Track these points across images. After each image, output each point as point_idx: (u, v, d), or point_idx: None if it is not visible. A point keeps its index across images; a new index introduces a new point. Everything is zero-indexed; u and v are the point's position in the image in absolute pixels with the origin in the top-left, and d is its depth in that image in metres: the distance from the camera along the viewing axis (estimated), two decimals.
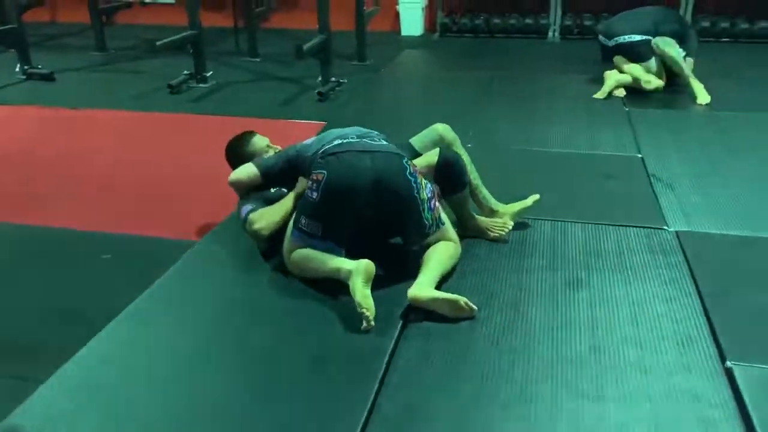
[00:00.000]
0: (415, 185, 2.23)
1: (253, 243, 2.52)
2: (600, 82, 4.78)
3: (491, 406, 1.76)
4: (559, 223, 2.73)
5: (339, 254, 2.21)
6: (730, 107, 4.26)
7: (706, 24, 6.11)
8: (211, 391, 1.83)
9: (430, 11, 7.11)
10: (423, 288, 2.12)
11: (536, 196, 2.67)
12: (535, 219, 2.76)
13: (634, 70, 4.48)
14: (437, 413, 1.74)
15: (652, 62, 4.46)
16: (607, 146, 3.63)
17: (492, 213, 2.68)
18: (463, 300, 2.08)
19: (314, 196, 2.19)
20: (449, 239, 2.37)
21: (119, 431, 1.71)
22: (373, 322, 2.01)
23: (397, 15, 7.09)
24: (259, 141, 2.70)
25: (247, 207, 2.43)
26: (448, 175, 2.44)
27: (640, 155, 3.47)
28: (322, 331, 2.06)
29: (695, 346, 1.98)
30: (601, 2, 6.45)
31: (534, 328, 2.08)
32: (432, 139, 2.61)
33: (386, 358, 1.92)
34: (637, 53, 4.48)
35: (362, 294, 2.03)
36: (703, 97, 4.32)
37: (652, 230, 2.67)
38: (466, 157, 2.63)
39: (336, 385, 1.83)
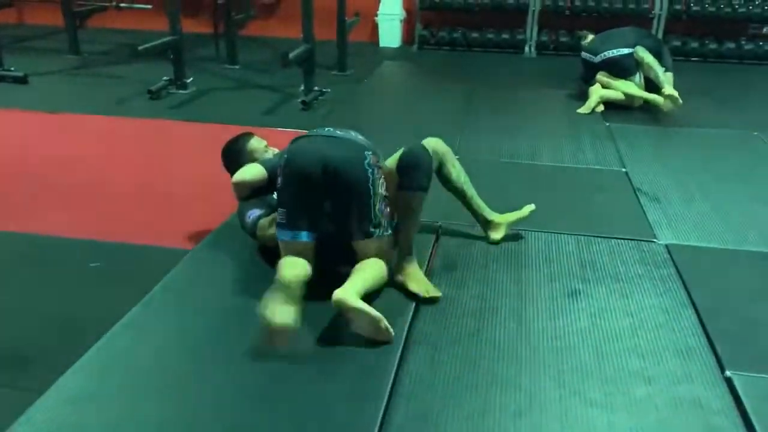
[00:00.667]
0: (371, 176, 2.16)
1: (251, 250, 2.50)
2: (578, 97, 4.90)
3: (503, 414, 1.78)
4: (553, 235, 2.78)
5: (302, 241, 2.16)
6: (705, 124, 4.40)
7: (677, 43, 6.30)
8: (214, 403, 1.80)
9: (408, 24, 7.17)
10: (349, 293, 1.99)
11: (532, 206, 2.69)
12: (529, 231, 2.80)
13: (622, 85, 4.60)
14: (450, 422, 1.75)
15: (638, 77, 4.60)
16: (591, 160, 3.70)
17: (487, 223, 2.70)
18: (384, 323, 1.98)
19: (279, 182, 2.21)
20: (385, 258, 2.25)
21: None
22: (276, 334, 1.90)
23: (375, 26, 7.13)
24: (257, 143, 2.64)
25: (255, 212, 2.40)
26: (408, 168, 2.28)
27: (624, 169, 3.55)
28: (328, 340, 2.05)
29: (695, 356, 2.03)
30: (576, 20, 6.60)
31: (538, 338, 2.10)
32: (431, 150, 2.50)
33: (395, 368, 1.93)
34: (624, 67, 4.60)
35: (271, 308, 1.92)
36: (670, 90, 4.37)
37: (643, 243, 2.73)
38: (458, 168, 2.61)
39: (346, 396, 1.82)
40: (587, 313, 2.24)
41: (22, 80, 5.26)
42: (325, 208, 2.20)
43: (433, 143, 2.50)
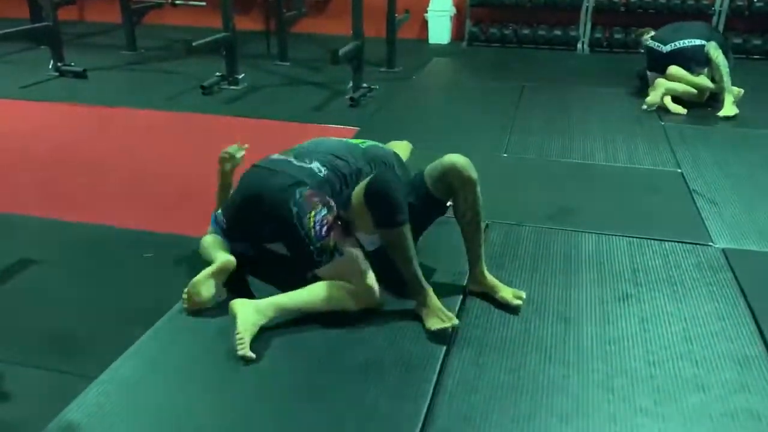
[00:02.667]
0: (297, 215, 2.10)
1: None
2: (633, 95, 4.79)
3: (549, 419, 1.74)
4: (604, 236, 2.71)
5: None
6: (766, 125, 4.22)
7: (738, 40, 6.07)
8: (260, 392, 1.83)
9: (457, 20, 7.11)
10: (244, 305, 2.01)
11: (520, 301, 2.22)
12: (580, 232, 2.74)
13: (694, 78, 4.42)
14: (494, 425, 1.73)
15: (707, 71, 4.45)
16: (645, 160, 3.60)
17: (476, 278, 2.28)
18: (242, 352, 1.92)
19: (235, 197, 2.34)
20: (342, 278, 2.13)
21: (174, 428, 1.71)
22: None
23: (424, 23, 7.10)
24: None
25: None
26: (370, 205, 2.11)
27: (679, 170, 3.44)
28: (371, 339, 2.05)
29: (753, 365, 1.95)
30: (631, 16, 6.43)
31: (586, 342, 2.06)
32: (441, 172, 2.19)
33: (438, 368, 1.91)
34: (696, 59, 4.43)
35: (194, 281, 2.13)
36: (729, 110, 4.29)
37: (699, 246, 2.64)
38: (471, 203, 2.19)
39: (388, 395, 1.81)
40: (638, 318, 2.18)
41: (82, 75, 5.43)
42: (265, 231, 2.26)
43: (455, 162, 2.16)
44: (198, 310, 2.16)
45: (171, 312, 2.17)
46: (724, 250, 2.61)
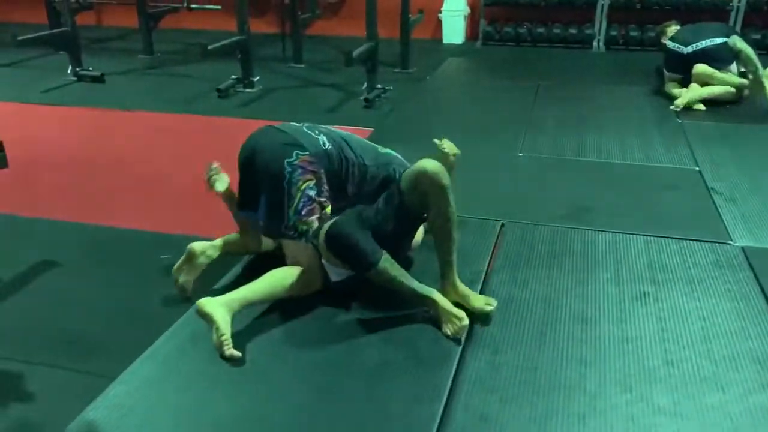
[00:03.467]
0: (287, 175, 2.13)
1: None
2: (650, 93, 4.76)
3: (566, 418, 1.74)
4: (621, 235, 2.69)
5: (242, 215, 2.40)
6: None
7: (756, 36, 5.98)
8: (278, 393, 1.84)
9: (472, 20, 7.10)
10: (214, 304, 1.99)
11: (491, 307, 2.14)
12: (597, 231, 2.73)
13: (726, 77, 4.39)
14: (511, 425, 1.72)
15: (734, 67, 4.42)
16: (663, 158, 3.57)
17: (446, 287, 2.17)
18: (229, 351, 1.94)
19: None
20: (302, 263, 2.15)
21: (193, 427, 1.72)
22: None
23: (438, 23, 7.10)
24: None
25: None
26: (338, 256, 2.11)
27: (697, 168, 3.41)
28: (387, 338, 2.06)
29: None
30: (647, 13, 6.38)
31: (603, 341, 2.04)
32: (412, 179, 2.09)
33: (454, 368, 1.91)
34: (720, 58, 4.39)
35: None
36: None
37: (717, 245, 2.62)
38: (440, 211, 2.09)
39: (404, 395, 1.81)
40: (656, 317, 2.16)
41: (99, 79, 5.49)
42: (261, 189, 2.30)
43: (418, 172, 2.07)
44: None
45: (188, 312, 2.18)
46: (743, 248, 2.58)
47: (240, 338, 2.05)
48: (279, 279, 2.15)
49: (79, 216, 3.05)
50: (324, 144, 2.27)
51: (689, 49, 4.47)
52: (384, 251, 2.08)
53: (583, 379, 1.88)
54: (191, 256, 2.34)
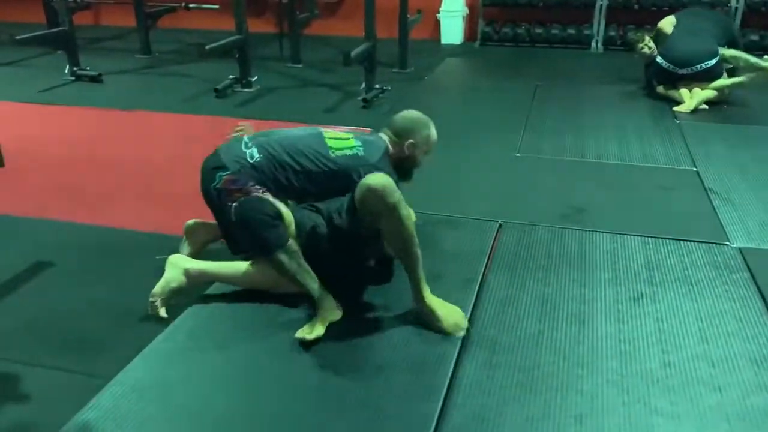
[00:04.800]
0: (216, 196, 2.20)
1: None
2: (648, 94, 4.77)
3: (563, 419, 1.73)
4: (619, 236, 2.69)
5: None
6: None
7: (754, 38, 6.00)
8: (273, 395, 1.83)
9: (470, 20, 7.10)
10: (174, 261, 2.26)
11: (461, 333, 2.06)
12: (594, 231, 2.72)
13: (716, 84, 4.45)
14: (508, 425, 1.72)
15: (725, 74, 4.47)
16: (660, 159, 3.58)
17: (416, 303, 2.12)
18: (153, 310, 2.17)
19: None
20: (259, 263, 2.21)
21: (190, 428, 1.72)
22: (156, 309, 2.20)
23: (437, 23, 7.10)
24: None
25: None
26: (241, 233, 2.23)
27: (695, 169, 3.41)
28: (384, 340, 2.05)
29: None
30: (645, 14, 6.38)
31: (601, 342, 2.04)
32: (359, 199, 2.05)
33: (451, 369, 1.91)
34: (713, 76, 4.44)
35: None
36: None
37: (715, 246, 2.62)
38: (392, 228, 2.03)
39: (401, 395, 1.81)
40: (653, 318, 2.16)
41: (97, 79, 5.48)
42: None
43: (362, 190, 2.03)
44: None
45: (185, 313, 2.18)
46: (741, 249, 2.58)
47: (238, 340, 2.05)
48: (242, 267, 2.25)
49: (76, 216, 3.04)
50: (251, 157, 2.22)
51: (684, 71, 4.50)
52: (289, 242, 2.13)
53: (580, 380, 1.87)
54: (188, 233, 2.52)
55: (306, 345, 2.00)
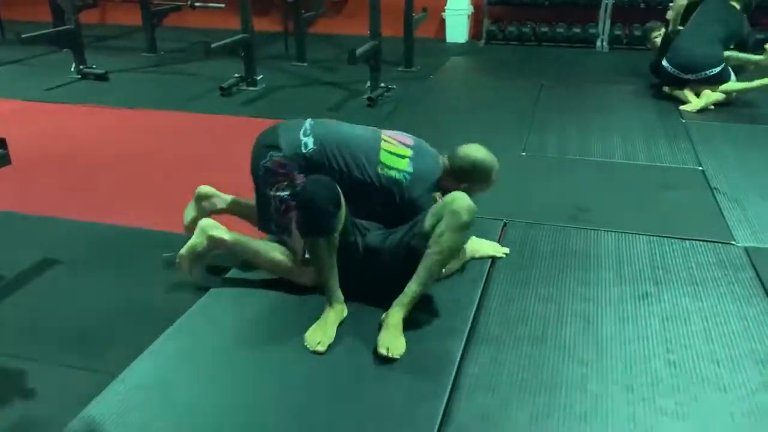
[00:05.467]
0: (261, 174, 2.25)
1: None
2: (654, 94, 4.75)
3: (568, 418, 1.74)
4: (624, 234, 2.69)
5: None
6: None
7: (760, 36, 5.96)
8: (278, 394, 1.84)
9: (475, 19, 7.09)
10: (205, 226, 2.34)
11: (395, 356, 1.96)
12: (599, 230, 2.72)
13: (729, 86, 4.46)
14: (512, 423, 1.72)
15: (734, 77, 4.46)
16: (666, 158, 3.57)
17: (390, 308, 2.09)
18: (185, 255, 2.34)
19: None
20: (296, 250, 2.24)
21: (194, 426, 1.73)
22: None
23: (442, 22, 7.09)
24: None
25: None
26: (299, 214, 2.17)
27: (701, 168, 3.40)
28: None
29: None
30: (651, 12, 6.36)
31: (605, 341, 2.04)
32: (440, 213, 2.07)
33: (455, 367, 1.91)
34: (722, 79, 4.43)
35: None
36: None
37: (720, 245, 2.61)
38: (449, 246, 2.04)
39: (405, 393, 1.81)
40: (659, 317, 2.16)
41: (103, 77, 5.50)
42: None
43: (457, 207, 2.02)
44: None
45: (190, 310, 2.19)
46: (746, 249, 2.58)
47: (243, 339, 2.06)
48: (265, 247, 2.29)
49: (82, 214, 3.05)
50: (305, 147, 2.23)
51: (689, 76, 4.49)
52: (335, 234, 2.09)
53: (585, 379, 1.88)
54: (198, 198, 2.58)
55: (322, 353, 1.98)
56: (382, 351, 1.94)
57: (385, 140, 2.31)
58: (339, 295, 2.15)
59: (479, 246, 2.51)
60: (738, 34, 4.57)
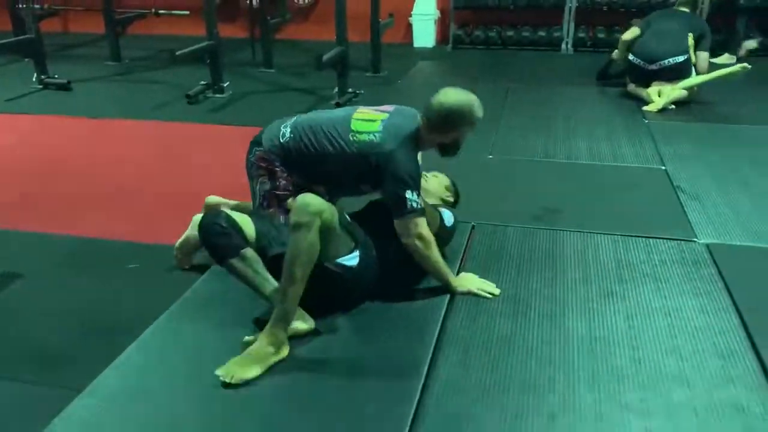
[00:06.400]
0: (248, 171, 2.37)
1: None
2: (617, 94, 4.83)
3: (536, 417, 1.75)
4: (589, 234, 2.73)
5: None
6: (750, 120, 4.28)
7: (719, 38, 6.09)
8: (247, 401, 1.81)
9: (442, 23, 7.14)
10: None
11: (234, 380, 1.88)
12: (564, 231, 2.76)
13: (684, 84, 4.54)
14: (482, 424, 1.73)
15: (694, 73, 4.56)
16: (629, 158, 3.63)
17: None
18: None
19: None
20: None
21: None
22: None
23: (409, 27, 7.13)
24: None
25: None
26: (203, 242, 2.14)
27: (663, 167, 3.47)
28: (358, 341, 2.06)
29: (737, 359, 1.96)
30: (614, 15, 6.48)
31: (572, 340, 2.06)
32: None
33: (425, 370, 1.91)
34: (681, 73, 4.54)
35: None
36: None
37: (683, 242, 2.66)
38: (294, 252, 1.91)
39: (376, 397, 1.81)
40: (623, 315, 2.19)
41: (66, 87, 5.41)
42: None
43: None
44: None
45: (156, 323, 2.16)
46: (707, 246, 2.63)
47: (210, 348, 2.04)
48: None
49: (45, 226, 2.99)
50: (283, 137, 2.32)
51: (654, 66, 4.59)
52: (243, 250, 2.03)
53: (552, 379, 1.89)
54: (207, 207, 2.61)
55: (228, 386, 1.84)
56: (221, 373, 1.85)
57: (359, 111, 2.33)
58: (286, 307, 1.95)
59: (468, 282, 2.32)
60: (700, 27, 4.67)
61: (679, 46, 4.54)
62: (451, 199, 2.68)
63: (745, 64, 4.46)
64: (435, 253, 2.21)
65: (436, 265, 2.23)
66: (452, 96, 2.24)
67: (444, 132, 2.26)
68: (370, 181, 2.28)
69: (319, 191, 2.18)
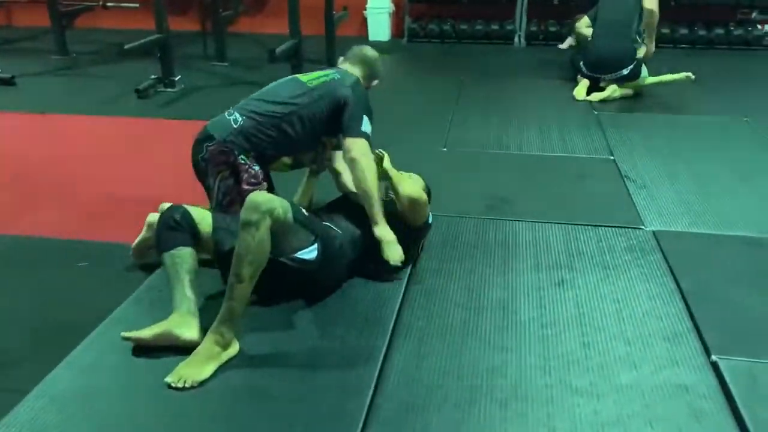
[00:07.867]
0: (204, 168, 2.34)
1: None
2: (568, 87, 4.90)
3: (489, 404, 1.78)
4: (540, 224, 2.78)
5: None
6: (694, 111, 4.42)
7: (665, 31, 6.28)
8: (201, 399, 1.80)
9: (396, 17, 7.15)
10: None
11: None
12: (516, 221, 2.80)
13: (634, 84, 4.67)
14: (436, 412, 1.75)
15: (644, 71, 4.68)
16: (579, 149, 3.71)
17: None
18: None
19: None
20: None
21: None
22: None
23: (364, 20, 7.11)
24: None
25: None
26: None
27: (612, 157, 3.55)
28: (313, 334, 2.05)
29: (681, 341, 2.04)
30: (565, 9, 6.58)
31: (524, 327, 2.11)
32: None
33: (380, 361, 1.93)
34: (630, 78, 4.63)
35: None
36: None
37: (630, 230, 2.74)
38: (243, 251, 1.89)
39: (331, 388, 1.81)
40: (574, 302, 2.24)
41: (9, 82, 5.22)
42: None
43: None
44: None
45: (106, 322, 2.11)
46: (654, 232, 2.71)
47: (160, 347, 2.00)
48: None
49: None
50: (235, 122, 2.32)
51: (606, 77, 4.66)
52: (178, 249, 2.05)
53: (505, 365, 1.93)
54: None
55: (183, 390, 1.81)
56: (172, 380, 1.82)
57: (300, 75, 2.52)
58: (184, 302, 1.97)
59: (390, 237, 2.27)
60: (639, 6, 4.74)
61: (627, 52, 4.56)
62: (425, 198, 2.68)
63: (690, 74, 4.62)
64: (373, 179, 2.26)
65: (371, 191, 2.24)
66: (368, 49, 2.79)
67: (370, 80, 2.71)
68: (334, 126, 2.38)
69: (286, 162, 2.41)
